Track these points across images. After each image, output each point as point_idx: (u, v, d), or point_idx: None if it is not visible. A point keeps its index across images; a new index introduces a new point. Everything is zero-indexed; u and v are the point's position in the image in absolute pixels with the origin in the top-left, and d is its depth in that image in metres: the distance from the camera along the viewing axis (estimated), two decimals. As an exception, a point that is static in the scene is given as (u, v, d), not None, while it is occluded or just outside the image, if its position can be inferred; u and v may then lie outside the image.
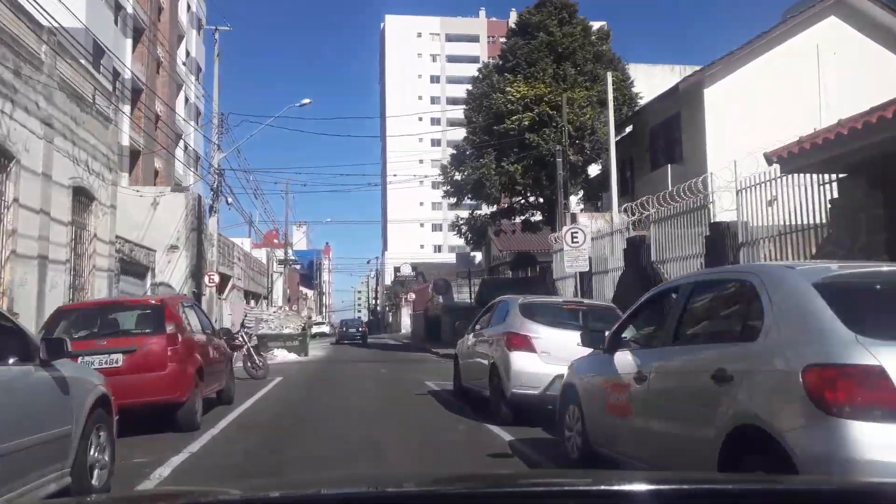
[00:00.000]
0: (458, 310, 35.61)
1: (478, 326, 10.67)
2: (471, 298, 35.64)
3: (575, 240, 13.66)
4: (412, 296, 43.72)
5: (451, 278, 39.09)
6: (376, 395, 12.63)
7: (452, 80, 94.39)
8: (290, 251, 65.17)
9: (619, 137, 24.65)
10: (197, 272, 23.81)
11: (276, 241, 54.11)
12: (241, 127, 60.34)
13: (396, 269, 57.81)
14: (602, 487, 1.89)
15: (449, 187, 27.13)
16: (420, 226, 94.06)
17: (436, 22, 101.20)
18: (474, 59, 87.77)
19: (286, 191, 45.44)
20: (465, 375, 10.84)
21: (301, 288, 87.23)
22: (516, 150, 23.63)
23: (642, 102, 25.47)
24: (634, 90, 25.12)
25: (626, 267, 13.23)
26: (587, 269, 14.12)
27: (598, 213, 18.57)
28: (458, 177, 26.64)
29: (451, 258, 72.04)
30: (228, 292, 32.09)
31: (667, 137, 23.35)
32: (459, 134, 29.91)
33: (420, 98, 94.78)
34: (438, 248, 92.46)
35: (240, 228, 49.59)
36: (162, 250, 23.48)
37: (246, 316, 17.57)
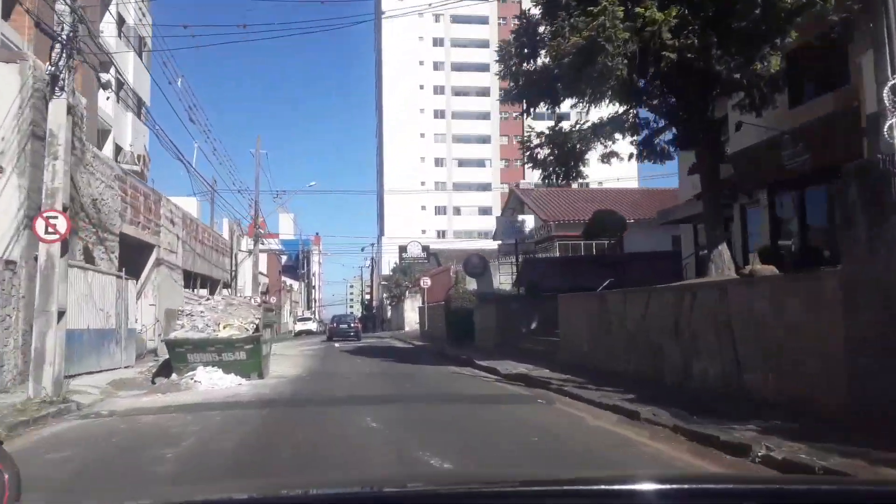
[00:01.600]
0: (500, 301, 24.15)
1: None
2: (515, 284, 24.38)
3: None
4: (427, 281, 32.17)
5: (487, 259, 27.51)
6: None
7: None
8: (269, 237, 53.56)
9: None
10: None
11: (261, 230, 42.63)
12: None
13: (402, 249, 46.17)
14: (603, 487, 1.84)
15: (511, 83, 15.61)
16: (422, 208, 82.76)
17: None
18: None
19: (256, 148, 34.00)
20: None
21: (285, 278, 75.73)
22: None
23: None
24: None
25: None
26: None
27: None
28: (527, 66, 15.21)
29: (459, 245, 60.79)
30: (150, 272, 20.41)
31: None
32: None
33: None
34: (442, 234, 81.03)
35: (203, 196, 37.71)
36: (-33, 174, 11.88)
37: None
